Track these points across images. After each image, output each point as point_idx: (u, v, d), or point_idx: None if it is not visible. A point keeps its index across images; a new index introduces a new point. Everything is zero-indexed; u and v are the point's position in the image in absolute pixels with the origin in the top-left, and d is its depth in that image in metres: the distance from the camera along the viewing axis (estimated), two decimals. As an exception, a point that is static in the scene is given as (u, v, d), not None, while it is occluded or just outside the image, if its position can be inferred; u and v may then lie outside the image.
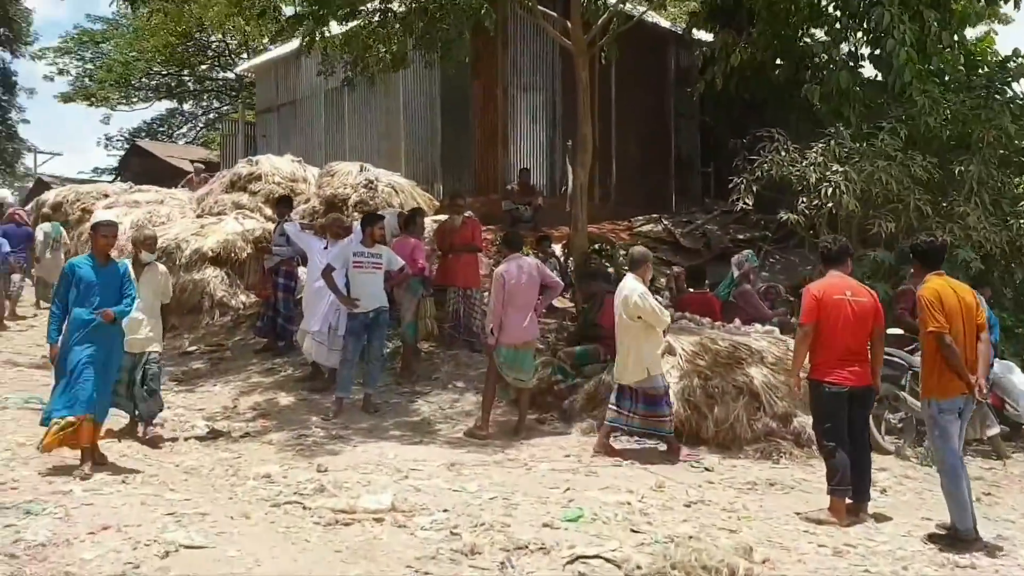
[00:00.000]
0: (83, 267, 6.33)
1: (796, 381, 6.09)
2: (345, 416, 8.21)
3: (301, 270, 10.59)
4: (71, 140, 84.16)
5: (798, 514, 5.85)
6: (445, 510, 5.52)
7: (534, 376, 8.10)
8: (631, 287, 7.23)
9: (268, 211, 14.11)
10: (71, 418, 6.00)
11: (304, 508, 5.48)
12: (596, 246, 12.58)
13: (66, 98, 36.02)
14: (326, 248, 9.15)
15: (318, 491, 5.86)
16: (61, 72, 35.80)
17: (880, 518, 5.91)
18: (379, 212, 10.28)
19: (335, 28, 11.80)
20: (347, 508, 5.45)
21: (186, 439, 7.51)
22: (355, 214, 12.50)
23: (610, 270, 11.64)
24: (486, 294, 9.66)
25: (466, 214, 10.55)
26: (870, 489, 6.05)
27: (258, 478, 6.23)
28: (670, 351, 8.25)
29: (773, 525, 5.61)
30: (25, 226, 14.87)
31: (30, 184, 32.49)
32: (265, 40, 27.40)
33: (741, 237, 14.84)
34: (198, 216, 14.65)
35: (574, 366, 8.49)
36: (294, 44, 19.63)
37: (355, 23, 11.01)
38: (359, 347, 8.43)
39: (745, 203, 12.02)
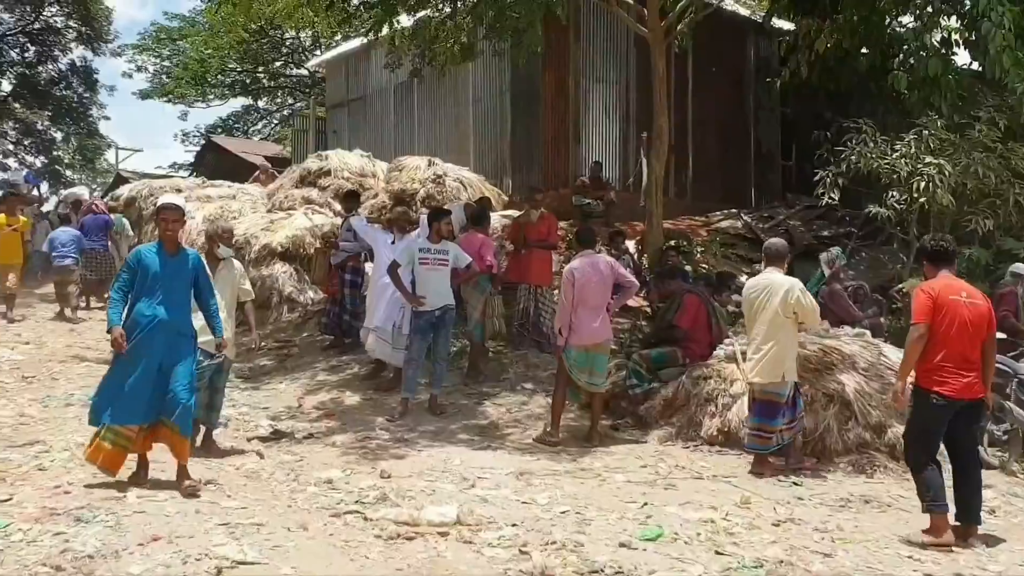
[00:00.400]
0: (148, 255, 5.62)
1: (902, 387, 5.51)
2: (410, 417, 7.94)
3: (368, 266, 10.38)
4: (152, 136, 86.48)
5: (900, 537, 5.33)
6: (513, 524, 5.17)
7: (607, 380, 7.70)
8: (789, 281, 6.72)
9: (337, 206, 14.02)
10: (122, 430, 5.44)
11: (365, 519, 5.17)
12: (672, 242, 12.10)
13: (144, 95, 36.85)
14: (393, 243, 8.90)
15: (380, 500, 5.57)
16: (139, 69, 36.63)
17: (992, 542, 5.36)
18: (446, 207, 9.99)
19: (404, 20, 11.57)
20: (410, 520, 5.14)
21: (249, 440, 7.32)
22: (423, 209, 12.29)
23: (687, 267, 11.15)
24: (556, 292, 9.30)
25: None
26: (981, 510, 5.51)
27: (319, 484, 5.97)
28: (753, 355, 7.78)
29: (872, 549, 5.12)
30: (103, 214, 15.24)
31: (110, 180, 33.18)
32: (337, 36, 27.54)
33: (825, 233, 14.19)
34: (268, 211, 14.64)
35: (650, 369, 8.04)
36: (364, 39, 19.64)
37: (423, 13, 10.73)
38: (424, 346, 8.15)
39: (831, 197, 11.46)
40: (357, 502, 5.54)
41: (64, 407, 7.78)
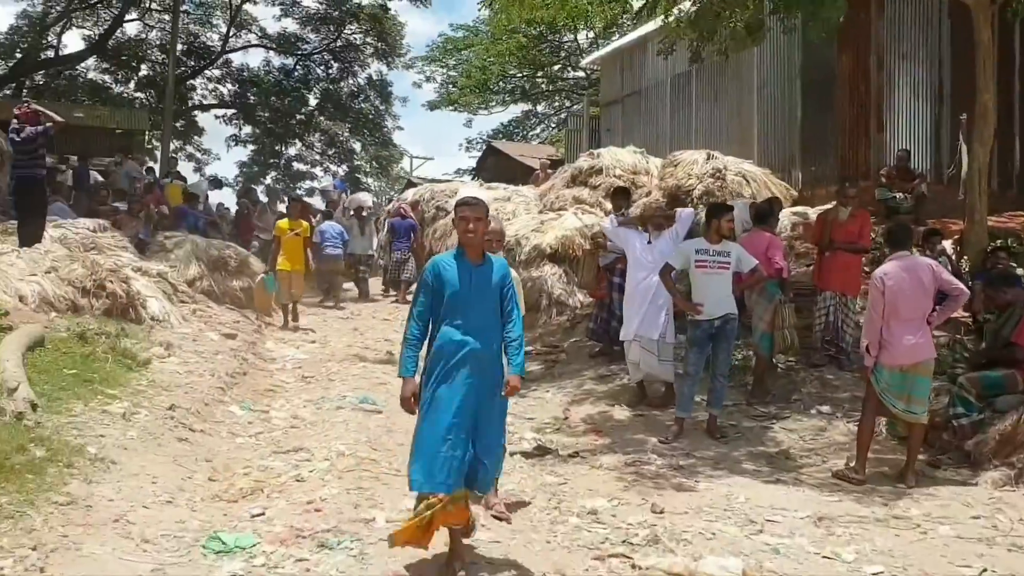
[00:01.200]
0: (448, 268, 4.40)
1: None
2: (686, 440, 7.08)
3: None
4: (442, 144, 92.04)
5: None
6: (813, 587, 4.21)
7: (928, 407, 6.38)
8: None
9: (608, 205, 13.55)
10: (432, 498, 4.16)
11: (633, 567, 4.44)
12: (998, 242, 10.21)
13: (432, 105, 38.70)
14: (649, 242, 8.08)
15: (651, 542, 4.81)
16: (428, 80, 38.53)
17: None
18: (727, 202, 9.00)
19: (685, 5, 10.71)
20: (685, 573, 4.34)
21: (511, 455, 6.80)
22: (700, 207, 11.42)
23: (1019, 272, 9.31)
24: (860, 301, 8.05)
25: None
26: None
27: (583, 515, 5.32)
28: None
29: None
30: (409, 218, 16.88)
31: (399, 187, 35.09)
32: (614, 36, 27.16)
33: None
34: (540, 212, 14.43)
35: (980, 396, 6.57)
36: (640, 32, 18.98)
37: (704, -8, 9.80)
38: (702, 360, 7.23)
39: None
40: (624, 542, 4.83)
41: (335, 410, 7.70)
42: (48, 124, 10.11)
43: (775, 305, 8.02)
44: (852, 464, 6.28)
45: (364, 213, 17.77)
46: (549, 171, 17.99)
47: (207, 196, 20.23)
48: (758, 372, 8.17)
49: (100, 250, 11.07)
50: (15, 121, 10.04)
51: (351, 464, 5.84)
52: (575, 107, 34.74)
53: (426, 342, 4.43)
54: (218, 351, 9.24)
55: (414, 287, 17.11)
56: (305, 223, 13.04)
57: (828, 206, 9.47)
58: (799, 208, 12.02)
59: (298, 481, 5.51)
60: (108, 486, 4.76)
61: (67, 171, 17.51)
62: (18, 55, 29.55)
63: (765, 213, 8.57)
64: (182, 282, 11.99)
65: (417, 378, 4.38)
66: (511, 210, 15.92)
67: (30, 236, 9.70)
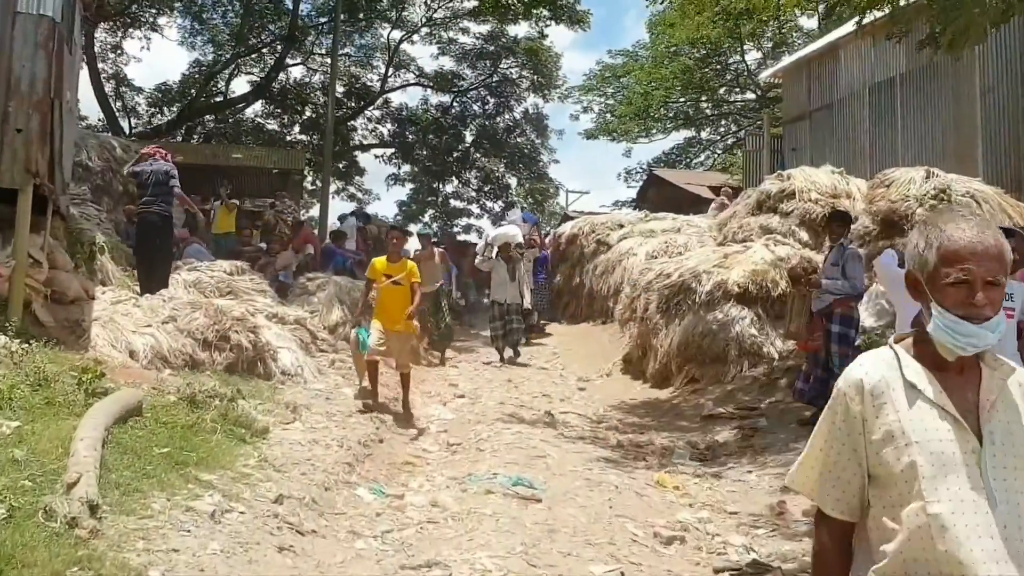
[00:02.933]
0: None
1: None
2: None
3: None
4: (598, 178, 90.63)
5: None
6: None
7: None
8: None
9: (803, 235, 11.69)
10: None
11: None
12: None
13: (589, 135, 37.34)
14: None
15: None
16: (585, 110, 37.31)
17: None
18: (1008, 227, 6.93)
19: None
20: None
21: (716, 572, 5.05)
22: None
23: None
24: None
25: None
26: None
27: None
28: None
29: None
30: (545, 251, 16.39)
31: (555, 222, 33.86)
32: (783, 53, 24.96)
33: None
34: (719, 244, 12.66)
35: None
36: (829, 38, 16.89)
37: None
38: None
39: None
40: None
41: (484, 495, 6.11)
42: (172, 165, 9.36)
43: (1075, 364, 5.92)
44: None
45: (512, 252, 13.59)
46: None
47: (374, 230, 19.36)
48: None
49: (236, 294, 10.18)
50: (142, 161, 9.33)
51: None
52: (751, 127, 32.48)
53: None
54: (352, 412, 7.98)
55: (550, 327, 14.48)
56: (411, 264, 8.83)
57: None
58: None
59: (427, 624, 3.97)
60: (160, 639, 3.38)
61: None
62: (187, 101, 30.36)
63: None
64: (322, 328, 10.94)
65: None
66: (682, 242, 14.30)
67: (155, 281, 8.80)
